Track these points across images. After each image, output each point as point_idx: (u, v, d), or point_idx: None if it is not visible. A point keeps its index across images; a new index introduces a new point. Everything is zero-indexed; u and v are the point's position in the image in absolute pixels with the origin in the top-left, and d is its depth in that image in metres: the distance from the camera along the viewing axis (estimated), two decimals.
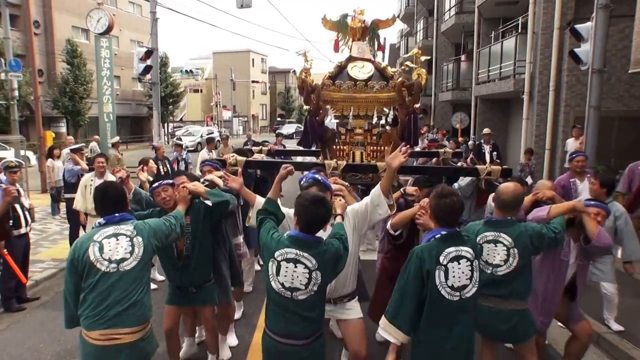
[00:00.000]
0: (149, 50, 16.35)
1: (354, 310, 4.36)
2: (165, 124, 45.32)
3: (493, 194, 5.34)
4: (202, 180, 5.39)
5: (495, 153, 12.90)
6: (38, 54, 31.44)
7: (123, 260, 3.62)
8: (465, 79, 23.03)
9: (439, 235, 3.51)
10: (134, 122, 45.77)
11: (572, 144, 12.71)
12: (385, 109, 7.78)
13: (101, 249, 3.60)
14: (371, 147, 7.62)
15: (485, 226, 4.10)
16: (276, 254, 3.43)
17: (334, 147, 7.73)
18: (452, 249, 3.46)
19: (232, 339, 5.83)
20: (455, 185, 8.35)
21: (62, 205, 12.60)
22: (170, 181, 4.84)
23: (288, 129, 51.74)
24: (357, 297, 4.43)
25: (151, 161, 8.56)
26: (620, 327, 6.19)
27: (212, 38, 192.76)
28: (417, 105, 7.19)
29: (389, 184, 4.21)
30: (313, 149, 8.85)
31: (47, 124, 28.15)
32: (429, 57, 7.96)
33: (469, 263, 3.47)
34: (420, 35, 31.72)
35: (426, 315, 3.47)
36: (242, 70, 66.34)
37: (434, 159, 9.27)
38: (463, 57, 23.71)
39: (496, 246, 4.01)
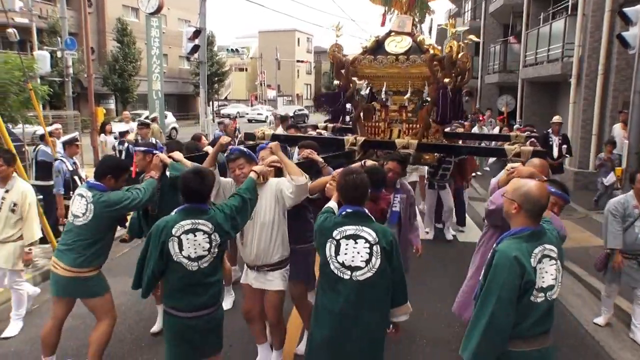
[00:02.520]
0: (197, 30, 16.75)
1: (274, 282, 4.48)
2: (211, 102, 46.03)
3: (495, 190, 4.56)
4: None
5: (565, 146, 11.50)
6: (90, 32, 32.45)
7: (77, 217, 4.53)
8: (512, 61, 22.66)
9: (344, 213, 3.60)
10: (180, 99, 46.71)
11: (618, 130, 12.53)
12: (423, 85, 7.69)
13: (73, 203, 4.61)
14: (406, 125, 7.60)
15: (529, 242, 3.05)
16: (173, 230, 3.65)
17: (370, 123, 7.75)
18: (351, 227, 3.51)
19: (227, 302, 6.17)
20: (486, 167, 8.03)
21: None
22: (143, 149, 5.38)
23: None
24: (283, 269, 4.53)
25: (203, 137, 8.79)
26: None
27: (259, 17, 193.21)
28: (446, 80, 6.99)
29: (289, 166, 4.41)
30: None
31: (97, 101, 28.87)
32: (464, 29, 7.63)
33: (368, 246, 3.47)
34: (468, 15, 31.26)
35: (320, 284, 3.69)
36: (287, 49, 66.59)
37: (506, 144, 9.06)
38: (511, 39, 23.31)
39: (544, 263, 3.04)
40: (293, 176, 4.32)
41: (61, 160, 8.13)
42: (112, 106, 37.30)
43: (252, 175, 4.22)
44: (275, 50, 61.18)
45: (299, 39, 72.60)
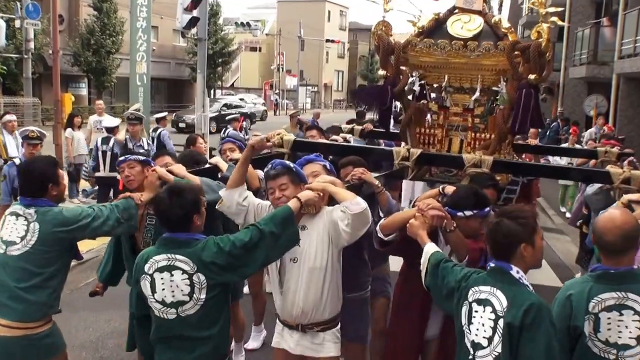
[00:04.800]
0: None
1: (326, 347, 4.35)
2: (212, 90, 46.30)
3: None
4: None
5: None
6: None
7: (12, 243, 4.14)
8: (606, 50, 22.40)
9: (489, 267, 3.54)
10: (173, 85, 47.22)
11: None
12: (495, 81, 7.40)
13: (3, 227, 4.24)
14: (471, 134, 7.35)
15: (599, 283, 3.37)
16: (146, 267, 3.66)
17: (422, 130, 7.55)
18: (485, 288, 3.39)
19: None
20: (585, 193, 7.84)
21: (84, 186, 13.85)
22: (140, 157, 5.16)
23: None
24: (335, 328, 4.43)
25: (200, 139, 8.71)
26: None
27: None
28: (531, 77, 6.65)
29: (338, 194, 4.26)
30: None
31: (65, 84, 29.06)
32: (559, 9, 7.26)
33: (493, 317, 3.30)
34: None
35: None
36: (314, 25, 66.79)
37: (592, 161, 8.86)
38: (605, 21, 23.21)
39: (621, 314, 3.25)
40: (345, 202, 4.14)
41: (13, 162, 8.32)
42: (84, 92, 37.74)
43: (293, 203, 3.98)
44: (298, 26, 61.48)
45: (329, 12, 73.14)
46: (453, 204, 4.42)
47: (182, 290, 3.60)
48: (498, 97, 7.45)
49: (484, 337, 3.30)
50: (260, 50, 70.71)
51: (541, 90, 7.39)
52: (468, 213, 4.34)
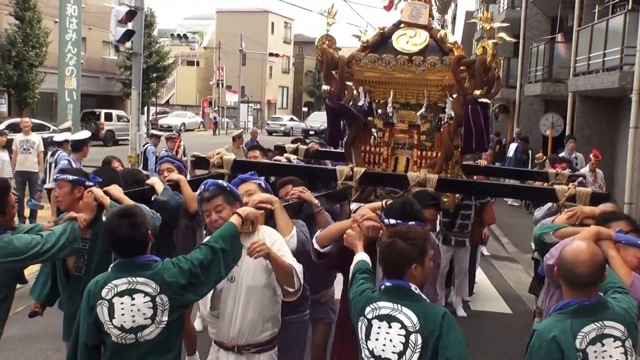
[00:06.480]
0: (132, 9, 16.95)
1: None
2: (146, 107, 45.56)
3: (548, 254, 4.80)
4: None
5: None
6: None
7: None
8: (561, 67, 22.98)
9: (382, 287, 3.82)
10: (102, 101, 46.34)
11: None
12: (442, 97, 7.69)
13: None
14: (417, 151, 7.62)
15: (577, 318, 3.56)
16: (103, 292, 3.76)
17: (367, 148, 7.83)
18: (387, 305, 3.68)
19: None
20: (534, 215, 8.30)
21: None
22: (70, 177, 5.22)
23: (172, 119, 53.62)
24: (273, 351, 4.61)
25: (115, 161, 8.71)
26: None
27: None
28: (477, 92, 6.99)
29: (282, 219, 4.62)
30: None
31: None
32: (502, 25, 7.51)
33: (403, 333, 3.60)
34: (505, 2, 31.94)
35: None
36: (256, 37, 66.96)
37: (541, 183, 9.00)
38: (559, 37, 23.81)
39: (603, 345, 3.49)
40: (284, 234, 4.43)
41: None
42: (4, 108, 37.18)
43: (235, 219, 4.23)
44: (239, 39, 61.50)
45: (273, 24, 73.52)
46: (385, 213, 4.70)
47: (143, 314, 3.74)
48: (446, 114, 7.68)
49: (393, 352, 3.59)
50: (198, 64, 70.86)
51: (494, 107, 7.69)
52: (392, 221, 4.52)
